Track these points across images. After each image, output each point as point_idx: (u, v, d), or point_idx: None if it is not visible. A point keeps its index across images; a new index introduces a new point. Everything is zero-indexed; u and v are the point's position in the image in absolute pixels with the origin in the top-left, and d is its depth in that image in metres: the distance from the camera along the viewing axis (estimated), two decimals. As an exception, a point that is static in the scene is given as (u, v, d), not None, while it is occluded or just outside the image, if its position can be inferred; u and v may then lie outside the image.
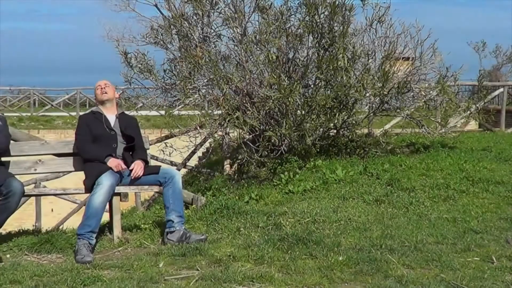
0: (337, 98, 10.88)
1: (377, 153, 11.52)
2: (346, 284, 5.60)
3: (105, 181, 6.75)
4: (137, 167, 7.09)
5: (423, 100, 12.21)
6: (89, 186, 6.93)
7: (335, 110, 10.99)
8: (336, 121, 11.05)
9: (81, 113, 7.92)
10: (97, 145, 7.12)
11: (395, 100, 11.69)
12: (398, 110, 11.94)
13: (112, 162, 6.98)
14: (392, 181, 9.75)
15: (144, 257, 6.35)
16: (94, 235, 6.69)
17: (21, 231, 7.69)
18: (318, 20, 11.02)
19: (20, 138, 7.98)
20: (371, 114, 12.13)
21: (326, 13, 10.98)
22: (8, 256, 6.70)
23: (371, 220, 7.82)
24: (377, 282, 5.55)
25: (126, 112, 7.87)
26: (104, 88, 7.39)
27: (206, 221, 7.67)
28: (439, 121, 12.58)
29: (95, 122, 7.26)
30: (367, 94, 11.27)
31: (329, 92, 10.93)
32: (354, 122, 11.78)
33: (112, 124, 7.28)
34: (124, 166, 7.04)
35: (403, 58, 12.16)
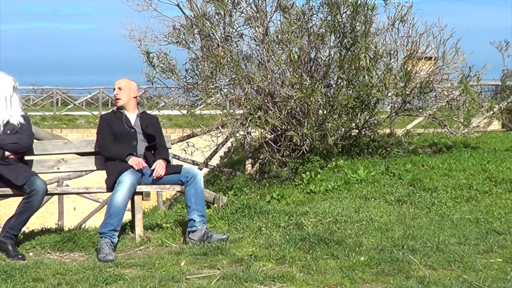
0: (359, 98, 10.85)
1: (399, 153, 11.47)
2: (367, 284, 5.58)
3: (126, 180, 6.77)
4: (159, 167, 7.10)
5: (445, 100, 12.15)
6: (111, 185, 6.96)
7: (357, 110, 10.96)
8: (358, 121, 11.03)
9: (103, 112, 7.98)
10: (118, 144, 7.15)
11: (417, 100, 11.65)
12: (420, 110, 11.90)
13: (133, 161, 7.01)
14: (414, 181, 9.71)
15: (165, 256, 6.37)
16: (116, 234, 6.72)
17: (44, 229, 7.73)
18: (340, 20, 11.00)
19: (44, 137, 8.03)
20: (393, 114, 12.09)
21: (348, 12, 10.95)
22: (31, 254, 6.75)
23: (393, 221, 7.78)
24: (398, 282, 5.53)
25: (148, 112, 7.90)
26: (117, 94, 7.43)
27: (227, 220, 7.67)
28: (462, 121, 12.52)
29: (116, 120, 7.30)
30: (389, 94, 11.24)
31: (351, 91, 10.89)
32: (376, 122, 11.75)
33: (132, 123, 7.31)
34: (144, 164, 7.06)
35: (425, 57, 12.12)
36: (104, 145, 7.21)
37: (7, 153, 6.78)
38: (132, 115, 7.37)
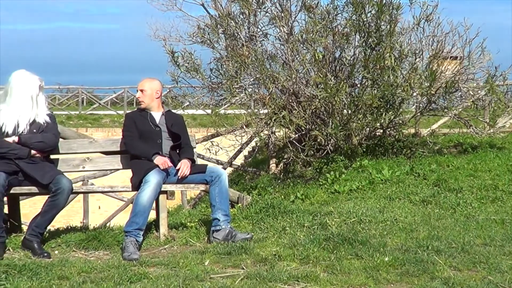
0: (383, 98, 10.82)
1: (424, 153, 11.42)
2: (392, 285, 5.56)
3: (152, 179, 6.80)
4: (184, 166, 7.12)
5: (471, 100, 12.06)
6: (136, 184, 6.99)
7: (381, 110, 10.93)
8: (382, 120, 11.00)
9: (128, 111, 8.00)
10: (143, 143, 7.18)
11: (443, 99, 11.58)
12: (445, 110, 11.83)
13: (159, 160, 7.03)
14: (439, 181, 9.66)
15: (190, 255, 6.38)
16: (141, 233, 6.74)
17: (69, 227, 7.77)
18: (365, 19, 10.97)
19: (69, 136, 8.09)
20: (418, 113, 12.04)
21: (373, 12, 10.92)
22: (56, 252, 6.79)
23: (417, 221, 7.75)
24: (423, 283, 5.50)
25: (173, 111, 7.91)
26: (140, 97, 7.43)
27: (251, 220, 7.67)
28: (488, 121, 12.42)
29: (141, 118, 7.32)
30: (414, 94, 11.19)
31: (375, 91, 10.86)
32: (400, 121, 11.71)
33: (157, 121, 7.33)
34: (170, 164, 7.08)
35: (451, 57, 12.05)
36: (130, 143, 7.23)
37: (33, 151, 6.84)
38: (157, 114, 7.39)
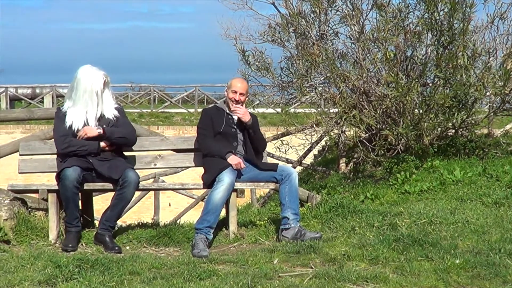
0: (456, 97, 10.67)
1: (497, 154, 11.20)
2: None
3: (226, 178, 6.85)
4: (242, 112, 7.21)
5: (547, 100, 11.78)
6: (209, 182, 7.05)
7: (454, 110, 10.78)
8: (454, 120, 10.84)
9: (199, 110, 8.05)
10: (218, 141, 7.21)
11: (517, 99, 11.36)
12: (520, 110, 11.61)
13: (233, 160, 7.06)
14: (513, 183, 9.46)
15: (259, 253, 6.41)
16: (212, 231, 6.80)
17: (140, 224, 7.89)
18: (438, 17, 10.82)
19: (141, 134, 8.22)
20: (491, 113, 11.81)
21: (446, 10, 10.76)
22: (127, 248, 6.92)
23: (489, 223, 7.60)
24: (495, 287, 5.41)
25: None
26: (239, 100, 7.29)
27: (320, 219, 7.66)
28: None
29: (218, 117, 7.29)
30: (488, 93, 10.98)
31: (448, 91, 10.71)
32: (473, 122, 11.51)
33: (234, 122, 7.33)
34: (244, 166, 7.11)
35: (526, 56, 11.78)
36: (205, 140, 7.25)
37: (102, 144, 6.95)
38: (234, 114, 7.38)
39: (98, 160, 6.94)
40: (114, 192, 6.97)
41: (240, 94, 7.30)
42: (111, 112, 7.12)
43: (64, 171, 6.68)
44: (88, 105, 6.99)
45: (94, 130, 6.93)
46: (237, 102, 7.28)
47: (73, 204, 6.74)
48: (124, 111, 7.36)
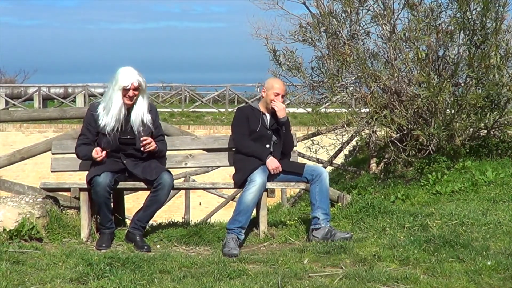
0: (488, 97, 10.57)
1: (530, 155, 11.08)
2: (494, 289, 5.44)
3: (258, 179, 6.86)
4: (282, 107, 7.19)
5: None
6: (240, 181, 7.06)
7: (486, 110, 10.69)
8: (487, 121, 10.74)
9: (229, 110, 8.08)
10: (253, 142, 7.21)
11: (551, 100, 11.22)
12: (553, 110, 11.47)
13: (271, 163, 7.06)
14: (546, 184, 9.36)
15: (289, 253, 6.41)
16: (243, 231, 6.83)
17: (171, 223, 7.92)
18: (470, 17, 10.73)
19: (172, 133, 8.26)
20: (525, 114, 11.70)
21: (478, 9, 10.67)
22: (158, 246, 6.96)
23: (522, 225, 7.53)
24: (527, 289, 5.36)
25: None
26: (281, 101, 7.27)
27: (351, 219, 7.64)
28: None
29: (253, 117, 7.26)
30: (521, 94, 10.87)
31: (480, 91, 10.62)
32: (506, 122, 11.40)
33: (268, 124, 7.30)
34: (280, 170, 7.12)
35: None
36: (242, 140, 7.22)
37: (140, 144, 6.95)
38: (268, 116, 7.35)
39: (132, 161, 6.97)
40: (145, 191, 7.01)
41: (282, 96, 7.30)
42: (144, 117, 7.06)
43: (95, 179, 6.72)
44: (116, 107, 6.90)
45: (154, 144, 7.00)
46: (276, 101, 7.25)
47: (105, 207, 6.79)
48: (156, 110, 7.31)
